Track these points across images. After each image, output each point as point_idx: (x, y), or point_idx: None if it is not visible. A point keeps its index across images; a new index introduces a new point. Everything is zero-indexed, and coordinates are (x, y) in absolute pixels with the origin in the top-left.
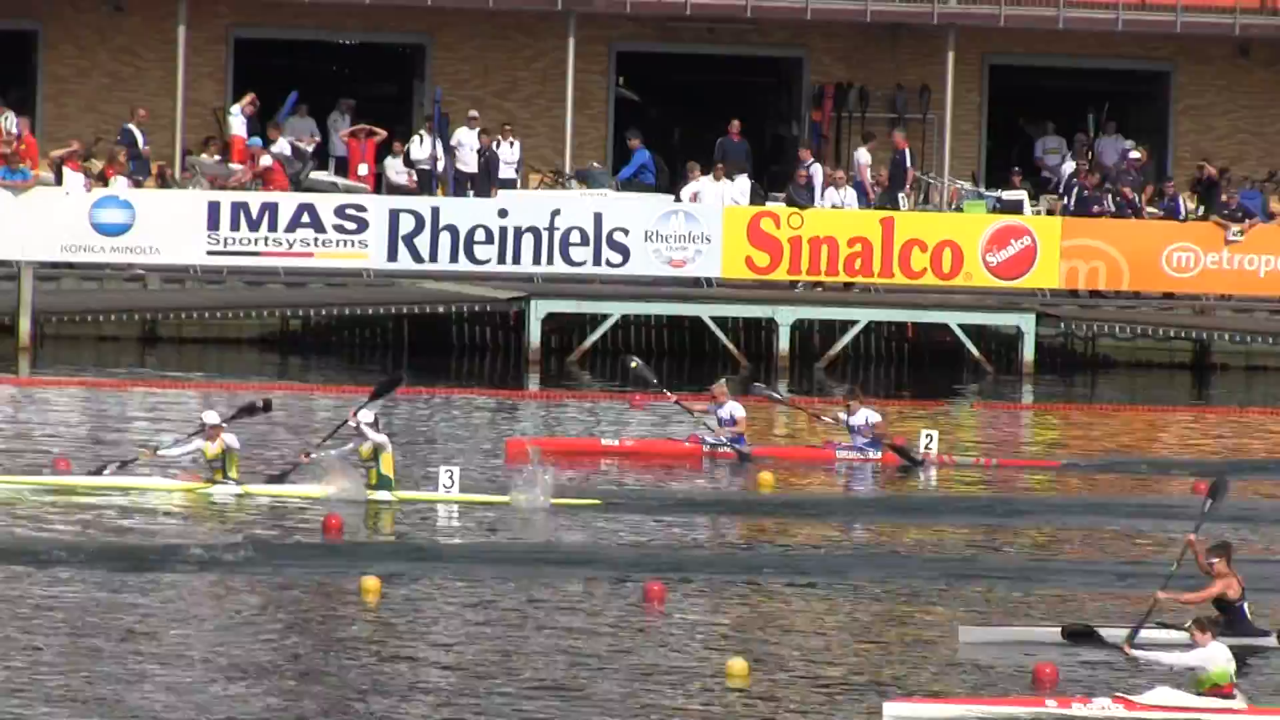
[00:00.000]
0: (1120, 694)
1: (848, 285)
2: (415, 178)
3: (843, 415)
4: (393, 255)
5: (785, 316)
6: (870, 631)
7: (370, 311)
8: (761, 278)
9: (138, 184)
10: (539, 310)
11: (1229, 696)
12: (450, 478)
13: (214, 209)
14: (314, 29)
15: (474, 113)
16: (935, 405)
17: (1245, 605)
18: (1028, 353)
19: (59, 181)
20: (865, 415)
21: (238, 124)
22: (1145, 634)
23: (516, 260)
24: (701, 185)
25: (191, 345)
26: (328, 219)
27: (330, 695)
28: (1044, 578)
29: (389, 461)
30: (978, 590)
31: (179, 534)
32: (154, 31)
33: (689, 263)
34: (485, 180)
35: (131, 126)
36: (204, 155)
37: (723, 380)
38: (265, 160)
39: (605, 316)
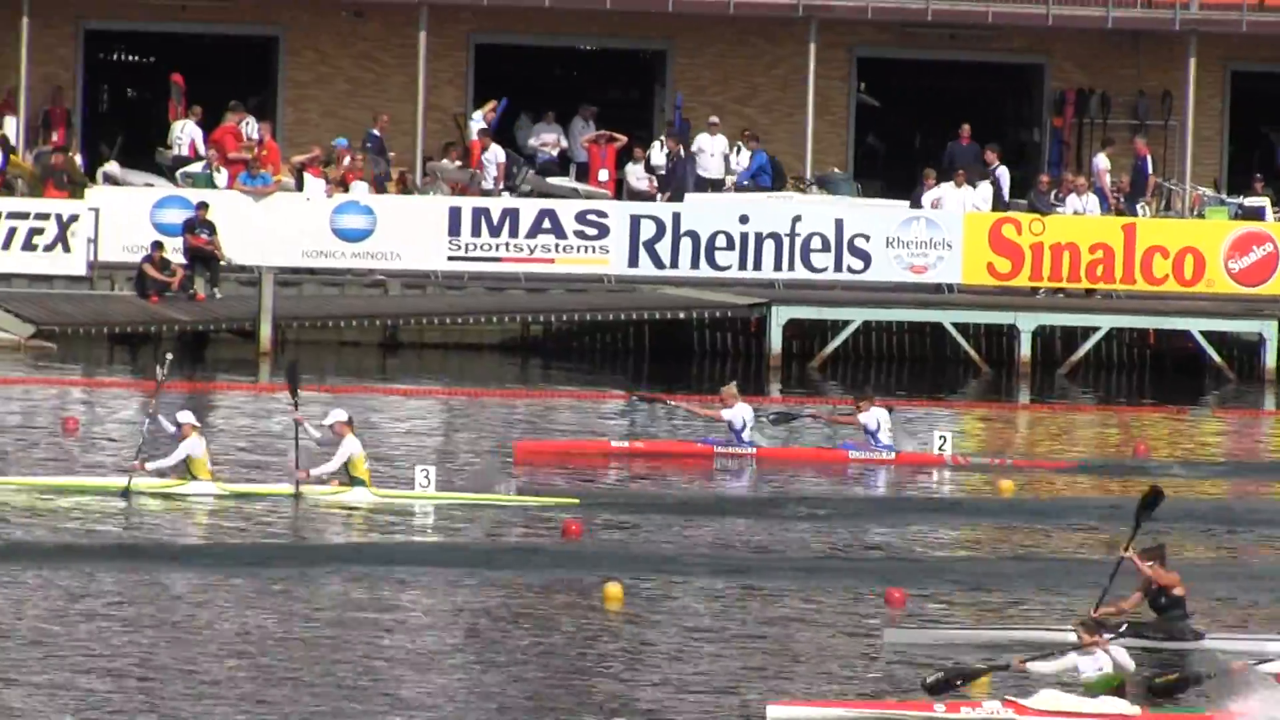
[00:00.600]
0: (1010, 698)
1: (1089, 292)
2: (655, 183)
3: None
4: (633, 261)
5: (1026, 323)
6: (790, 633)
7: (611, 317)
8: (1003, 284)
9: (380, 189)
10: (780, 316)
11: (1122, 699)
12: (426, 477)
13: (455, 214)
14: (554, 35)
15: (714, 119)
16: (1176, 411)
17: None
18: (1269, 360)
19: (300, 187)
20: (877, 416)
21: (478, 129)
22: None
23: (758, 267)
24: (943, 192)
25: (432, 350)
26: (569, 225)
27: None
28: (995, 581)
29: (360, 462)
30: (927, 592)
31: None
32: (394, 37)
33: (930, 269)
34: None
35: (376, 131)
36: (444, 161)
37: (732, 383)
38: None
39: (846, 323)
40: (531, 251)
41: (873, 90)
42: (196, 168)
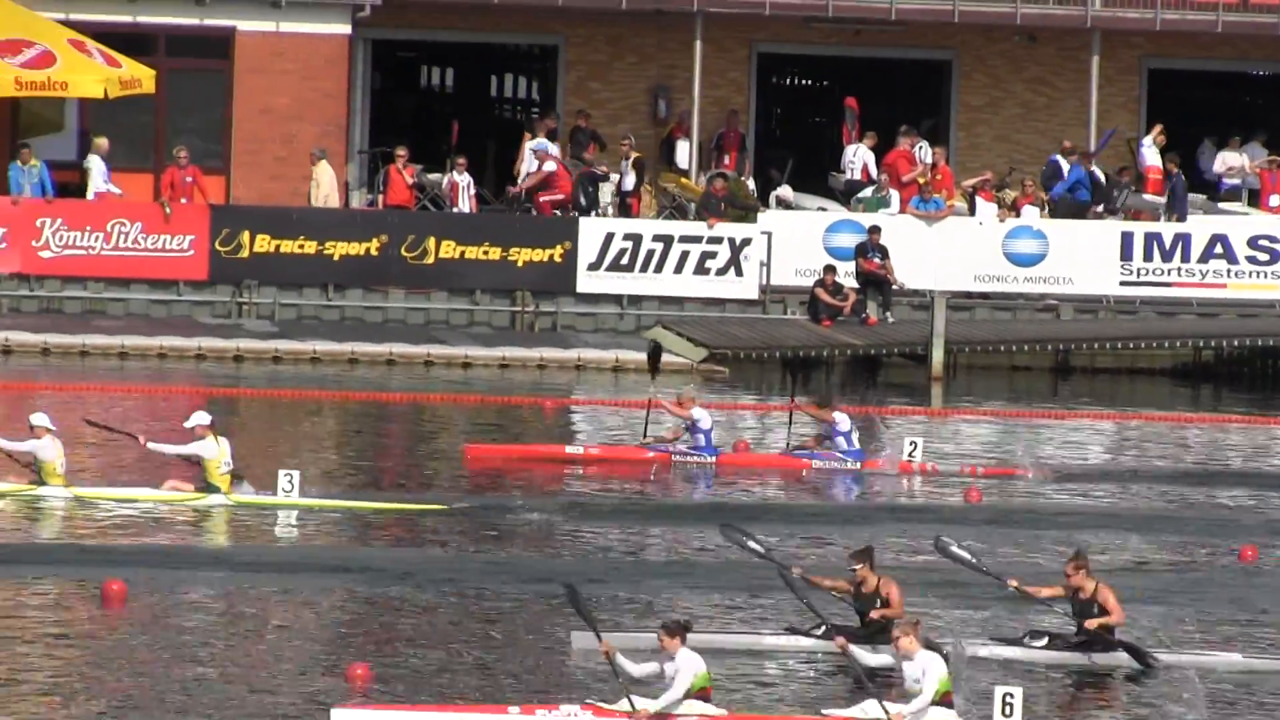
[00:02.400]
0: (592, 701)
1: None
2: None
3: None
4: None
5: None
6: (479, 635)
7: None
8: None
9: (1051, 214)
10: None
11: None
12: (290, 481)
13: (1128, 239)
14: (1226, 59)
15: None
16: None
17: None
18: None
19: (972, 211)
20: (845, 422)
21: (1150, 155)
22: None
23: None
24: None
25: (1103, 376)
26: (1240, 250)
27: None
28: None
29: (212, 469)
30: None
31: None
32: (1066, 61)
33: None
34: None
35: (1059, 158)
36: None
37: (690, 386)
38: None
39: None
40: (1203, 276)
41: None
42: (868, 192)
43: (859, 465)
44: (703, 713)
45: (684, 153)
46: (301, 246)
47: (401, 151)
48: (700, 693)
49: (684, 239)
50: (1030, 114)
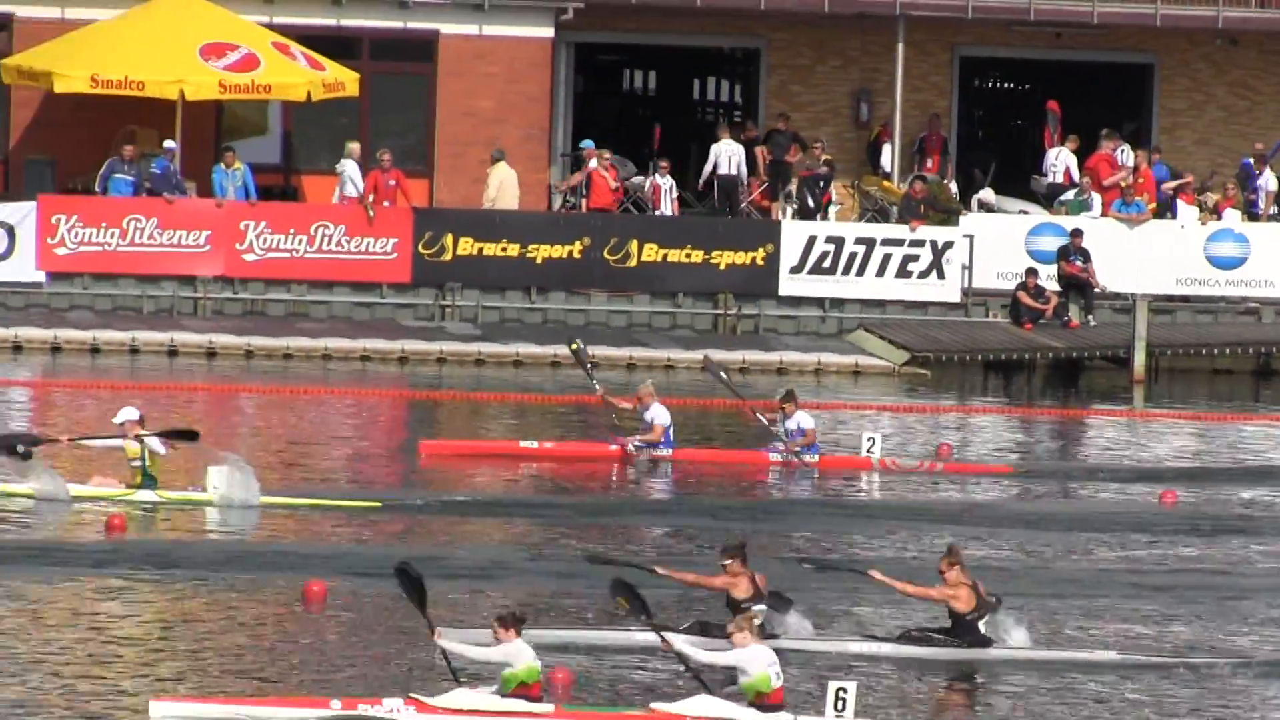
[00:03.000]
0: (414, 695)
1: None
2: None
3: (777, 419)
4: None
5: None
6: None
7: None
8: None
9: (1253, 217)
10: None
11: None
12: (220, 479)
13: None
14: None
15: None
16: None
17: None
18: None
19: (1174, 215)
20: (799, 420)
21: None
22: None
23: None
24: None
25: None
26: None
27: None
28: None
29: (156, 462)
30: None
31: None
32: (1269, 65)
33: None
34: None
35: (1250, 161)
36: None
37: (648, 382)
38: None
39: None
40: None
41: None
42: (1070, 195)
43: (816, 459)
44: (528, 710)
45: (886, 156)
46: (504, 249)
47: (604, 153)
48: (524, 687)
49: (886, 242)
50: (1232, 118)
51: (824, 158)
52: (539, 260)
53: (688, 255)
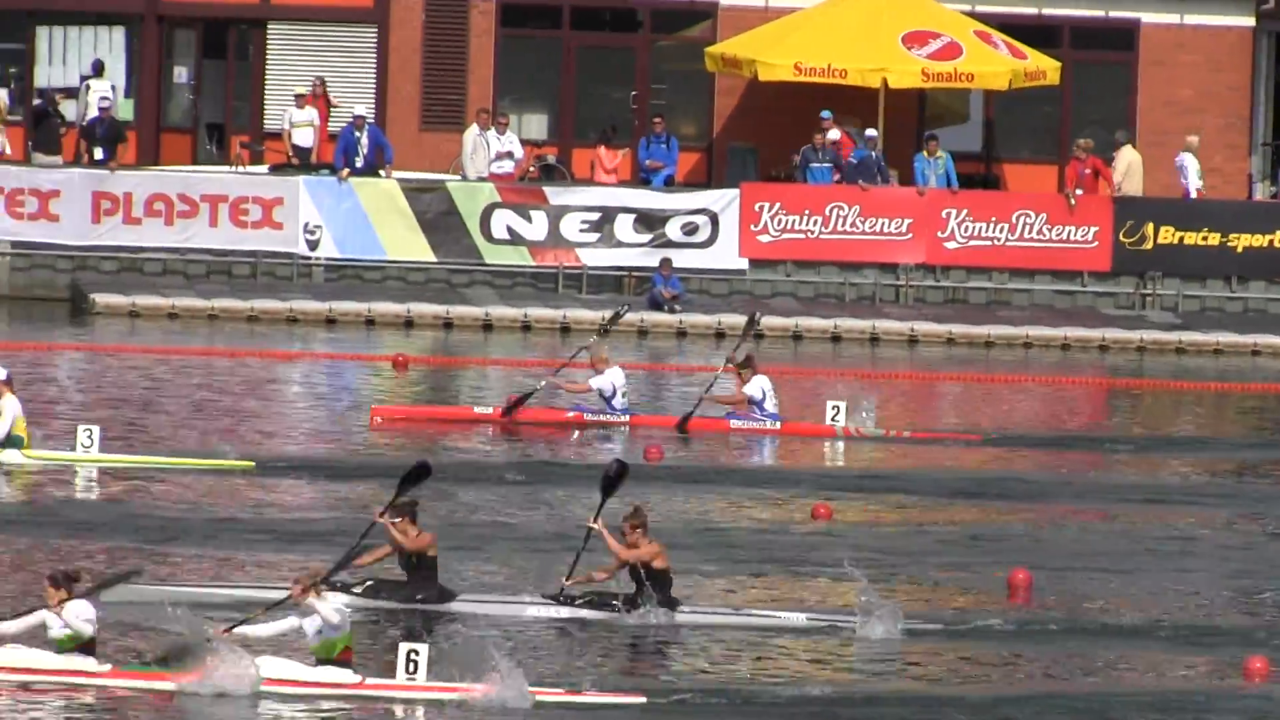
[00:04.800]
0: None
1: None
2: None
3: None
4: None
5: None
6: None
7: None
8: None
9: None
10: None
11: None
12: (90, 437)
13: None
14: None
15: None
16: None
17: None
18: None
19: None
20: (760, 384)
21: None
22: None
23: None
24: None
25: None
26: None
27: None
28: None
29: (20, 423)
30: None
31: None
32: None
33: None
34: None
35: None
36: None
37: (601, 343)
38: None
39: None
40: None
41: None
42: None
43: (778, 427)
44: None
45: None
46: (1205, 238)
47: None
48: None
49: None
50: None
51: None
52: (1239, 249)
53: None
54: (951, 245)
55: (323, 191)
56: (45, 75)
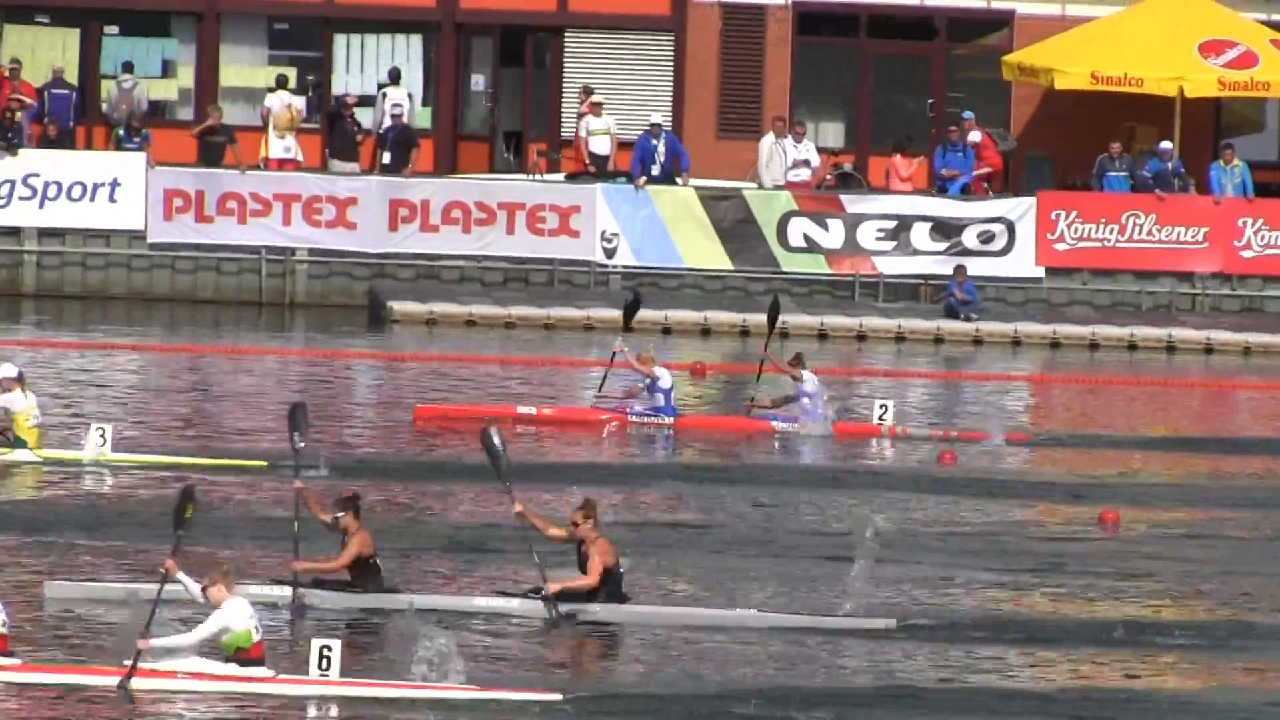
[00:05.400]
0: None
1: None
2: None
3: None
4: None
5: None
6: None
7: None
8: None
9: None
10: None
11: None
12: (102, 436)
13: None
14: None
15: None
16: None
17: None
18: None
19: None
20: (814, 382)
21: None
22: None
23: None
24: None
25: None
26: None
27: None
28: None
29: (20, 422)
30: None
31: None
32: None
33: None
34: None
35: None
36: None
37: (651, 344)
38: None
39: None
40: None
41: None
42: None
43: (827, 428)
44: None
45: None
46: None
47: None
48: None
49: None
50: None
51: None
52: None
53: None
54: (1248, 254)
55: (620, 199)
56: (343, 83)
